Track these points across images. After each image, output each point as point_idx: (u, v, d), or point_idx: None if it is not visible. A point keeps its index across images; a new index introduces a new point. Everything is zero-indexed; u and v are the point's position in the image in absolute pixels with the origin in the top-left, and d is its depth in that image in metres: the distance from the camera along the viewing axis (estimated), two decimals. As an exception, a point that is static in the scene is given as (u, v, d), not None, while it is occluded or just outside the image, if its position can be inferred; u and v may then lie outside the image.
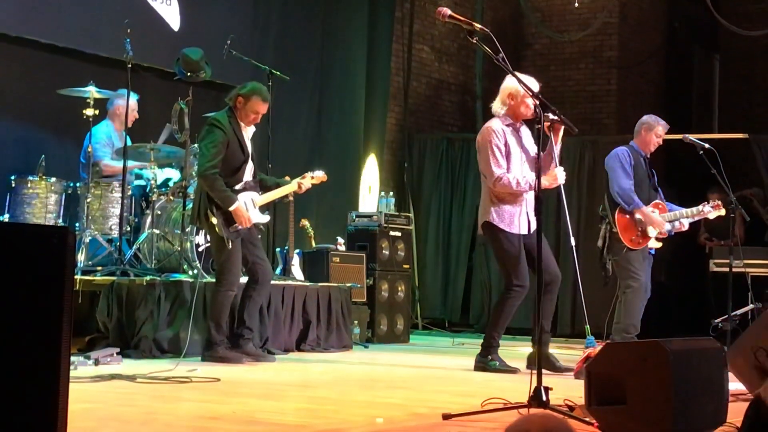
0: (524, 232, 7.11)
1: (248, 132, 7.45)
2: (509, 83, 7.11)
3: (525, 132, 7.26)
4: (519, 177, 7.00)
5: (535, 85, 6.97)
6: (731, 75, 15.78)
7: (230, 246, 7.21)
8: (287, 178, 9.07)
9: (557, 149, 6.94)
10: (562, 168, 6.99)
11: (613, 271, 8.21)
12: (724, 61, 15.90)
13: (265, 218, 7.66)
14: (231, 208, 7.21)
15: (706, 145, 8.12)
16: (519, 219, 7.10)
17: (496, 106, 7.21)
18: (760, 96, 15.36)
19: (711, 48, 16.01)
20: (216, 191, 7.20)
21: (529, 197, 7.08)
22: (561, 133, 6.89)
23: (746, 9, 15.14)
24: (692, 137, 8.40)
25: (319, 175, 7.85)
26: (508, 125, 7.14)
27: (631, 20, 14.54)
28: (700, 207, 8.28)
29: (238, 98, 7.37)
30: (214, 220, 7.16)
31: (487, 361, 7.23)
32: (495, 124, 7.12)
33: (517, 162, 7.10)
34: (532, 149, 7.15)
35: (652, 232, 8.13)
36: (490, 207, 7.10)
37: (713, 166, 7.99)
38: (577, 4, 13.25)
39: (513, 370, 7.14)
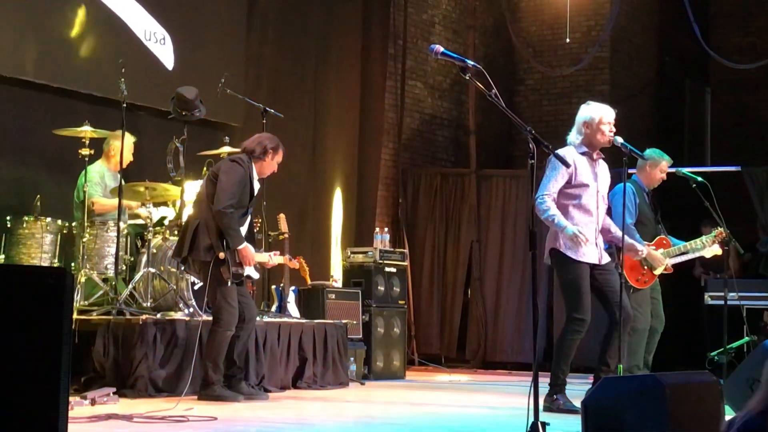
0: (593, 261, 6.94)
1: (257, 184, 7.49)
2: (584, 112, 7.02)
3: (602, 166, 7.12)
4: (558, 214, 6.82)
5: (610, 112, 6.99)
6: (723, 108, 15.86)
7: (229, 284, 7.23)
8: (282, 215, 9.11)
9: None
10: None
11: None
12: (716, 94, 15.99)
13: (256, 274, 7.69)
14: (239, 247, 7.23)
15: (699, 179, 8.15)
16: (587, 248, 6.90)
17: (572, 136, 7.05)
18: (751, 128, 15.43)
19: (702, 81, 16.11)
20: (232, 229, 7.20)
21: (597, 226, 7.00)
22: None
23: (737, 42, 15.25)
24: (685, 170, 8.43)
25: (294, 264, 8.55)
26: (582, 154, 7.00)
27: (623, 55, 14.63)
28: (704, 238, 8.27)
29: (268, 152, 7.47)
30: (222, 255, 7.17)
31: (552, 401, 6.88)
32: (569, 152, 6.93)
33: (591, 193, 6.96)
34: (604, 185, 7.10)
35: (658, 270, 8.08)
36: (558, 234, 6.90)
37: (706, 199, 8.02)
38: (568, 39, 13.33)
39: (578, 411, 6.89)
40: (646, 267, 8.07)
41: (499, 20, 14.29)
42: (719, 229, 8.31)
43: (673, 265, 8.33)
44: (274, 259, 7.97)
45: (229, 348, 7.36)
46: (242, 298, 7.44)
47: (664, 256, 8.14)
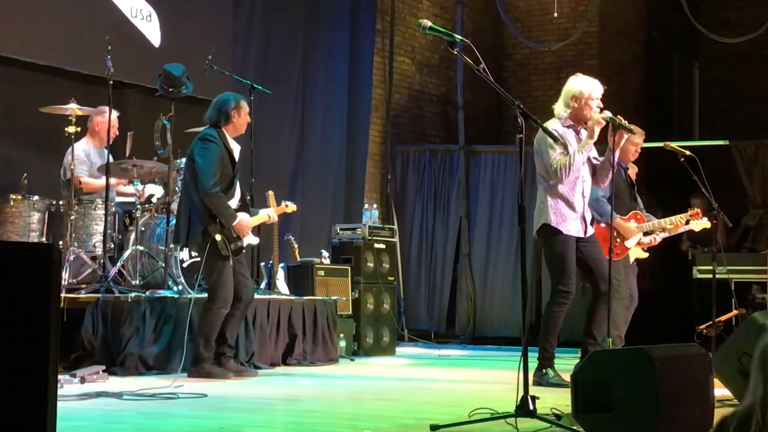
0: (579, 235, 7.01)
1: (236, 148, 7.44)
2: (573, 84, 7.03)
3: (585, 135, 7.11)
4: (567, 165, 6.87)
5: (599, 88, 6.97)
6: (711, 82, 15.85)
7: (230, 263, 7.22)
8: (270, 192, 9.09)
9: (616, 155, 6.96)
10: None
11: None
12: (704, 69, 15.98)
13: (255, 240, 7.67)
14: (234, 223, 7.22)
15: (688, 152, 8.14)
16: (574, 222, 6.98)
17: (559, 108, 7.07)
18: (739, 102, 15.43)
19: (690, 56, 16.09)
20: (222, 209, 7.18)
21: (585, 200, 7.05)
22: (623, 139, 7.00)
23: (725, 16, 15.21)
24: (673, 144, 8.43)
25: (292, 206, 8.34)
26: (568, 127, 7.02)
27: (611, 29, 14.60)
28: (679, 216, 8.31)
29: (232, 115, 7.38)
30: (219, 237, 7.15)
31: (541, 375, 6.90)
32: (553, 125, 6.96)
33: (578, 164, 6.96)
34: (591, 153, 7.10)
35: (630, 242, 8.12)
36: (547, 209, 6.94)
37: (695, 173, 8.02)
38: (556, 14, 13.29)
39: (567, 385, 6.88)
40: (618, 239, 8.11)
41: (486, -5, 14.25)
42: (695, 209, 8.37)
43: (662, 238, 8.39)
44: (272, 215, 7.96)
45: (222, 325, 7.35)
46: (241, 277, 7.43)
47: (637, 230, 8.19)
